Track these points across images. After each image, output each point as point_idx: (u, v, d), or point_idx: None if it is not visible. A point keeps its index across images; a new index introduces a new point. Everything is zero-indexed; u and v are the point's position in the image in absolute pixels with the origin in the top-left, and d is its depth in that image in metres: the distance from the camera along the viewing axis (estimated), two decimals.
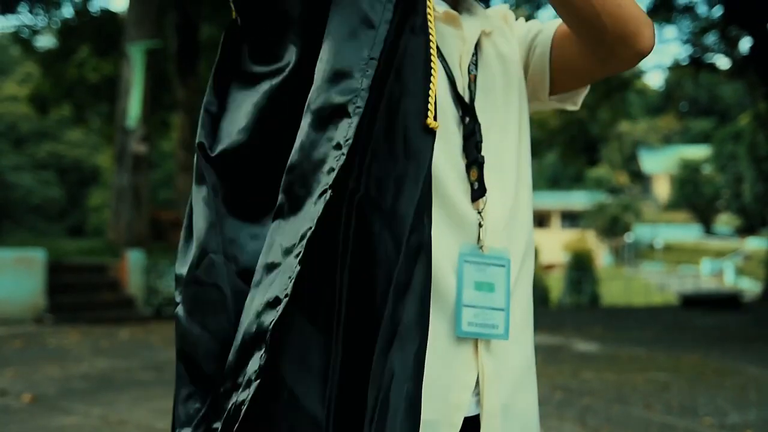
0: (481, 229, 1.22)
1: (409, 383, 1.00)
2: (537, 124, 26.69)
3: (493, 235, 1.23)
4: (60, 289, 11.58)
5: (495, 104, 1.30)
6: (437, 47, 1.20)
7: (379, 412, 0.98)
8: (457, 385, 1.17)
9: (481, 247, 1.21)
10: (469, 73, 1.28)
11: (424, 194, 1.02)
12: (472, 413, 1.19)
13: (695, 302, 18.12)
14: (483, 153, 1.23)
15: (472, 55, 1.30)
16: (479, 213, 1.22)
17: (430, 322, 1.09)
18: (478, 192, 1.21)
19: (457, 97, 1.24)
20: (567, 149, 30.07)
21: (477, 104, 1.26)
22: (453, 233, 1.20)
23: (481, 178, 1.21)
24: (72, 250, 14.12)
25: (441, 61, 1.23)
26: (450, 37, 1.28)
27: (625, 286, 34.03)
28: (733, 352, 9.88)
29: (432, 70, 1.05)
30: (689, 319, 14.76)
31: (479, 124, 1.24)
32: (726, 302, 17.71)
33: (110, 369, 7.44)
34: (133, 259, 12.53)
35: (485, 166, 1.22)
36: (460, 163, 1.22)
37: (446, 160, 1.20)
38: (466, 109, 1.24)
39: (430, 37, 1.06)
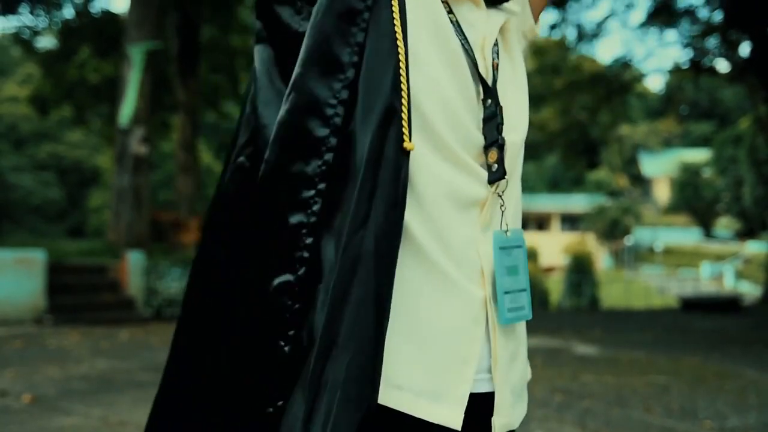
0: (504, 212, 1.22)
1: (341, 392, 1.02)
2: (537, 126, 26.75)
3: (511, 217, 1.23)
4: (60, 289, 11.58)
5: (511, 91, 1.30)
6: (459, 26, 1.24)
7: (312, 418, 1.02)
8: (463, 358, 1.15)
9: (506, 231, 1.21)
10: (492, 59, 1.28)
11: (391, 206, 1.07)
12: (479, 390, 1.18)
13: (695, 305, 18.14)
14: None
15: (494, 44, 1.29)
16: (500, 196, 1.21)
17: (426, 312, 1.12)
18: (497, 174, 1.19)
19: (478, 77, 1.23)
20: (567, 152, 30.14)
21: (498, 89, 1.26)
22: (471, 217, 1.18)
23: (501, 160, 1.20)
24: (72, 251, 14.12)
25: (462, 40, 1.23)
26: (472, 17, 1.28)
27: (625, 289, 34.03)
28: (733, 355, 9.88)
29: (403, 95, 1.10)
30: (689, 322, 14.76)
31: (501, 107, 1.22)
32: (726, 305, 17.73)
33: (110, 370, 7.44)
34: (133, 260, 12.53)
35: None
36: (478, 144, 1.20)
37: (463, 139, 1.18)
38: (487, 90, 1.23)
39: (400, 60, 1.11)
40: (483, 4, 1.30)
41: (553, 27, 22.66)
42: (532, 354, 9.19)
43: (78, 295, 11.99)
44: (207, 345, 1.24)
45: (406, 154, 1.09)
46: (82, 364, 7.72)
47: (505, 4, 1.36)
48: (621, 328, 13.69)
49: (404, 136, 1.09)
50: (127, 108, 14.01)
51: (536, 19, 1.48)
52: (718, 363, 9.10)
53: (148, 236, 14.43)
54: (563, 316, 19.55)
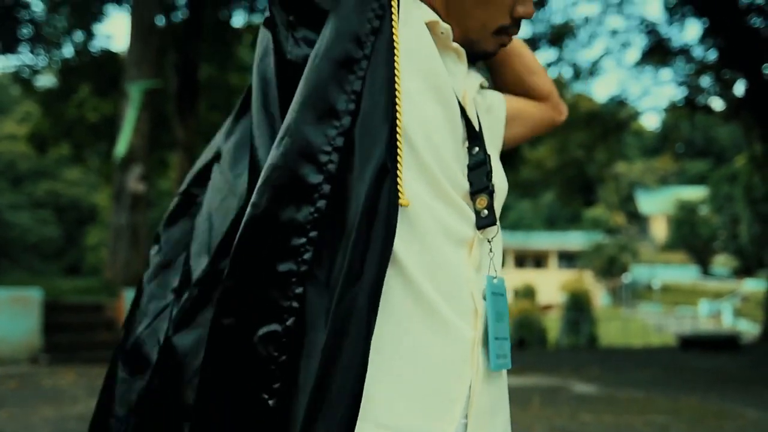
0: (492, 259, 1.22)
1: None
2: (534, 164, 26.84)
3: (498, 265, 1.23)
4: (56, 328, 11.51)
5: (490, 146, 1.32)
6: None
7: None
8: (451, 398, 1.13)
9: (494, 278, 1.20)
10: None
11: (376, 263, 1.05)
12: None
13: (693, 343, 18.08)
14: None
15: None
16: (489, 241, 1.22)
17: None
18: (487, 220, 1.19)
19: (465, 123, 1.25)
20: (564, 189, 30.17)
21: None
22: (463, 256, 1.18)
23: (491, 207, 1.20)
24: (68, 290, 14.07)
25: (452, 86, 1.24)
26: (455, 68, 1.30)
27: (623, 326, 33.91)
28: (732, 394, 9.82)
29: (399, 152, 1.09)
30: (687, 361, 14.70)
31: (489, 156, 1.24)
32: (724, 344, 17.67)
33: None
34: (130, 299, 12.46)
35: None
36: (464, 189, 1.20)
37: (451, 181, 1.18)
38: (474, 137, 1.24)
39: (397, 118, 1.11)
40: (465, 59, 1.33)
41: (549, 65, 22.86)
42: (530, 393, 9.15)
43: (74, 334, 11.92)
44: (176, 393, 1.23)
45: (396, 210, 1.08)
46: (78, 404, 7.66)
47: (479, 79, 1.41)
48: (619, 366, 13.63)
49: (399, 193, 1.08)
50: (122, 144, 14.06)
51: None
52: (717, 402, 9.04)
53: None
54: (561, 354, 19.45)
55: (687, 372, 12.94)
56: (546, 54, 22.10)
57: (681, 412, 8.27)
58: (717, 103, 24.81)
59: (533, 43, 20.88)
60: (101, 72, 19.10)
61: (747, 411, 8.39)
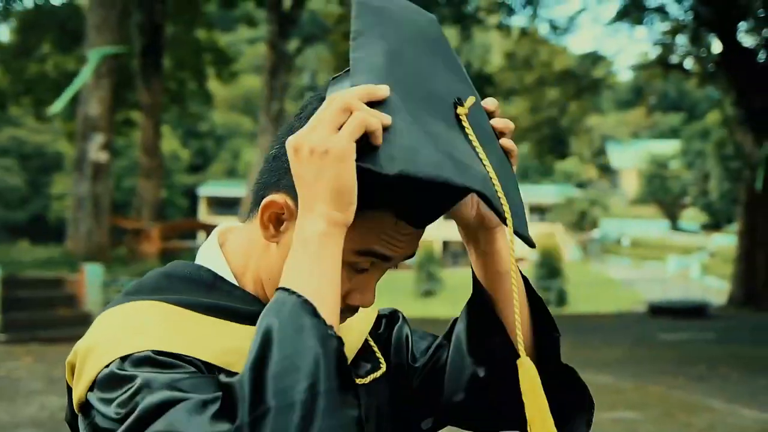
0: None
1: None
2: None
3: None
4: (14, 305, 11.17)
5: None
6: None
7: None
8: None
9: None
10: None
11: None
12: None
13: (663, 311, 18.35)
14: None
15: None
16: None
17: None
18: None
19: None
20: (538, 146, 29.98)
21: None
22: None
23: None
24: (29, 262, 13.65)
25: None
26: None
27: (592, 282, 34.13)
28: (699, 380, 9.83)
29: None
30: (656, 335, 14.80)
31: None
32: (693, 312, 17.95)
33: (62, 409, 7.14)
34: (91, 274, 12.11)
35: None
36: None
37: None
38: None
39: None
40: None
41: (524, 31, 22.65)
42: None
43: (33, 311, 11.57)
44: None
45: None
46: (32, 402, 7.41)
47: None
48: (587, 341, 13.56)
49: None
50: (59, 102, 13.92)
51: None
52: (684, 390, 9.04)
53: (108, 246, 14.04)
54: None
55: (656, 348, 13.03)
56: (522, 12, 21.83)
57: (649, 404, 8.25)
58: (690, 64, 24.63)
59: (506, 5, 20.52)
60: (63, 27, 18.47)
61: (714, 403, 8.39)
